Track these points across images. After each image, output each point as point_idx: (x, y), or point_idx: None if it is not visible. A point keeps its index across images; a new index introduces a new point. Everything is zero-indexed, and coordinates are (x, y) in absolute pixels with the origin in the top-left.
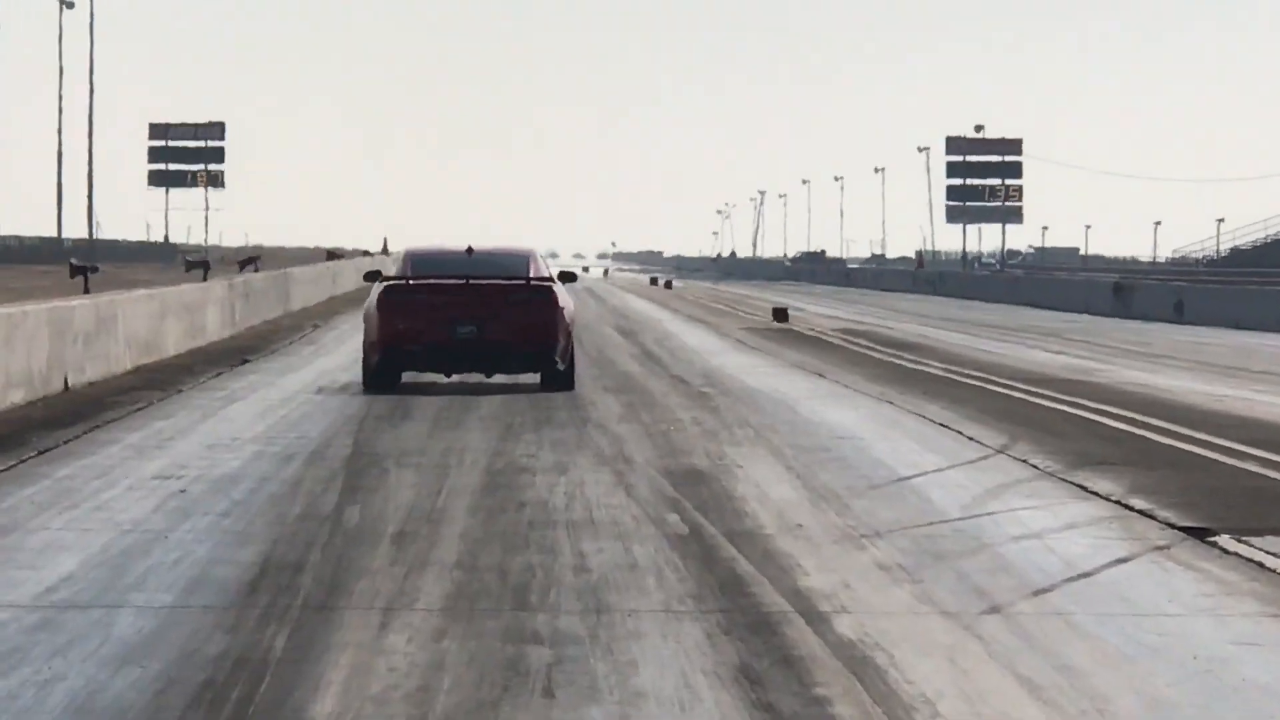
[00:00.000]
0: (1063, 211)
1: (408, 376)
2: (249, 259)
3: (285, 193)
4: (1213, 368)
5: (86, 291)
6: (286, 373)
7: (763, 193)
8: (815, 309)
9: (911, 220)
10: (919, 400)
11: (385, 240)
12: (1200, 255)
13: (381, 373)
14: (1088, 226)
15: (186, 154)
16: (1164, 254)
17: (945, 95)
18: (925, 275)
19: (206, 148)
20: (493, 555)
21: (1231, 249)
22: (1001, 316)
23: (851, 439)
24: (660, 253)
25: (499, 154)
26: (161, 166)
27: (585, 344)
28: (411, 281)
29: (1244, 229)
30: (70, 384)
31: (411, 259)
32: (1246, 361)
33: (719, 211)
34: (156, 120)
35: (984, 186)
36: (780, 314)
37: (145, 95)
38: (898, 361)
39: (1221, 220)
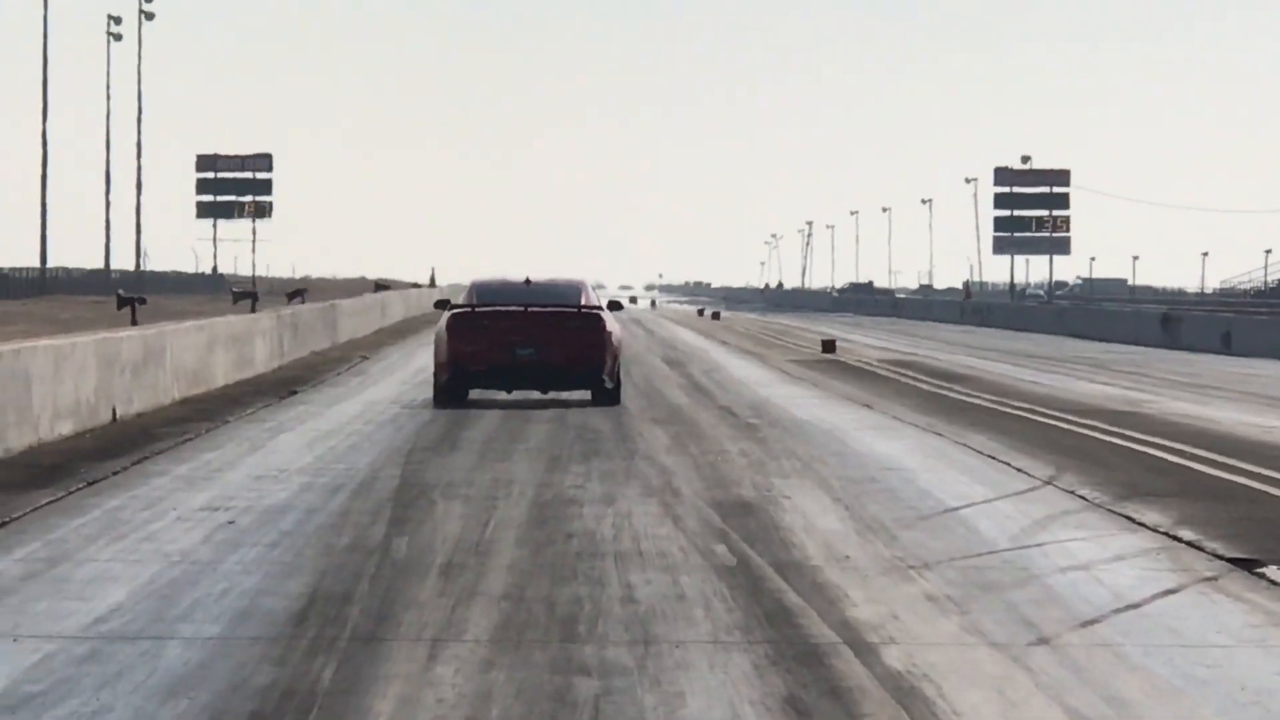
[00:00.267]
0: (1110, 242)
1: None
2: (297, 290)
3: (332, 224)
4: (1261, 399)
5: (134, 323)
6: (334, 404)
7: (810, 223)
8: (863, 340)
9: (959, 251)
10: (966, 431)
11: (433, 271)
12: (1248, 286)
13: (450, 390)
14: (1135, 257)
15: (234, 185)
16: (1212, 285)
17: (993, 126)
18: (973, 306)
19: (254, 179)
20: (540, 587)
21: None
22: (1049, 347)
23: (899, 470)
24: (708, 284)
25: (546, 185)
26: (209, 198)
27: (634, 375)
28: (477, 309)
29: None
30: (118, 415)
31: (476, 289)
32: None
33: (767, 242)
34: (204, 151)
35: (1031, 217)
36: (828, 345)
37: (193, 127)
38: (945, 393)
39: (1269, 251)
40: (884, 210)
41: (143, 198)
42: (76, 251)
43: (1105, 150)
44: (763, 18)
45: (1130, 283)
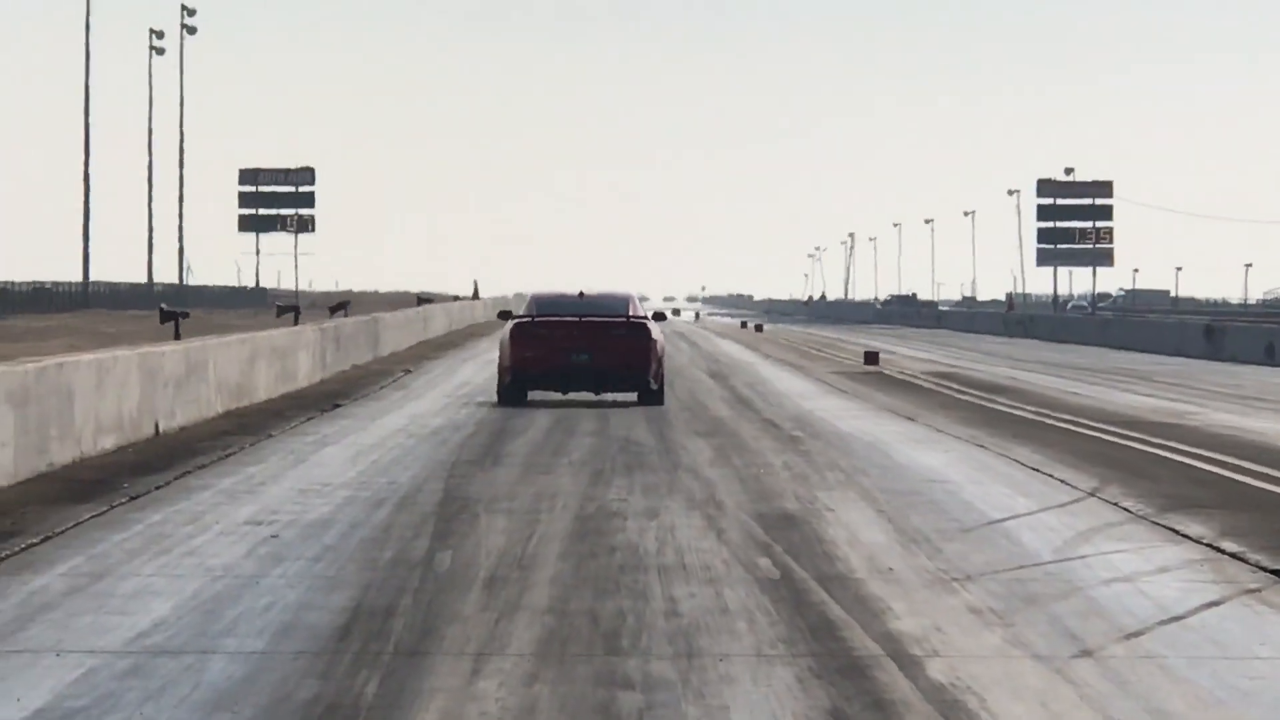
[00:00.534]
0: (1153, 254)
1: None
2: (339, 304)
3: (375, 237)
4: None
5: (177, 337)
6: (377, 417)
7: (852, 235)
8: (906, 352)
9: (1002, 263)
10: (1010, 443)
11: (476, 284)
12: None
13: (512, 390)
14: (1178, 268)
15: (276, 199)
16: (1255, 295)
17: (1035, 138)
18: (1016, 318)
19: (296, 193)
20: (584, 600)
21: None
22: (1092, 359)
23: (942, 482)
24: (750, 296)
25: (590, 197)
26: (251, 211)
27: (677, 388)
28: (536, 319)
29: None
30: (161, 429)
31: (535, 301)
32: None
33: (810, 255)
34: (246, 165)
35: (1074, 229)
36: (871, 357)
37: (235, 141)
38: (989, 405)
39: None
40: (927, 222)
41: (185, 211)
42: (119, 265)
43: (1148, 162)
44: (806, 31)
45: (1173, 294)
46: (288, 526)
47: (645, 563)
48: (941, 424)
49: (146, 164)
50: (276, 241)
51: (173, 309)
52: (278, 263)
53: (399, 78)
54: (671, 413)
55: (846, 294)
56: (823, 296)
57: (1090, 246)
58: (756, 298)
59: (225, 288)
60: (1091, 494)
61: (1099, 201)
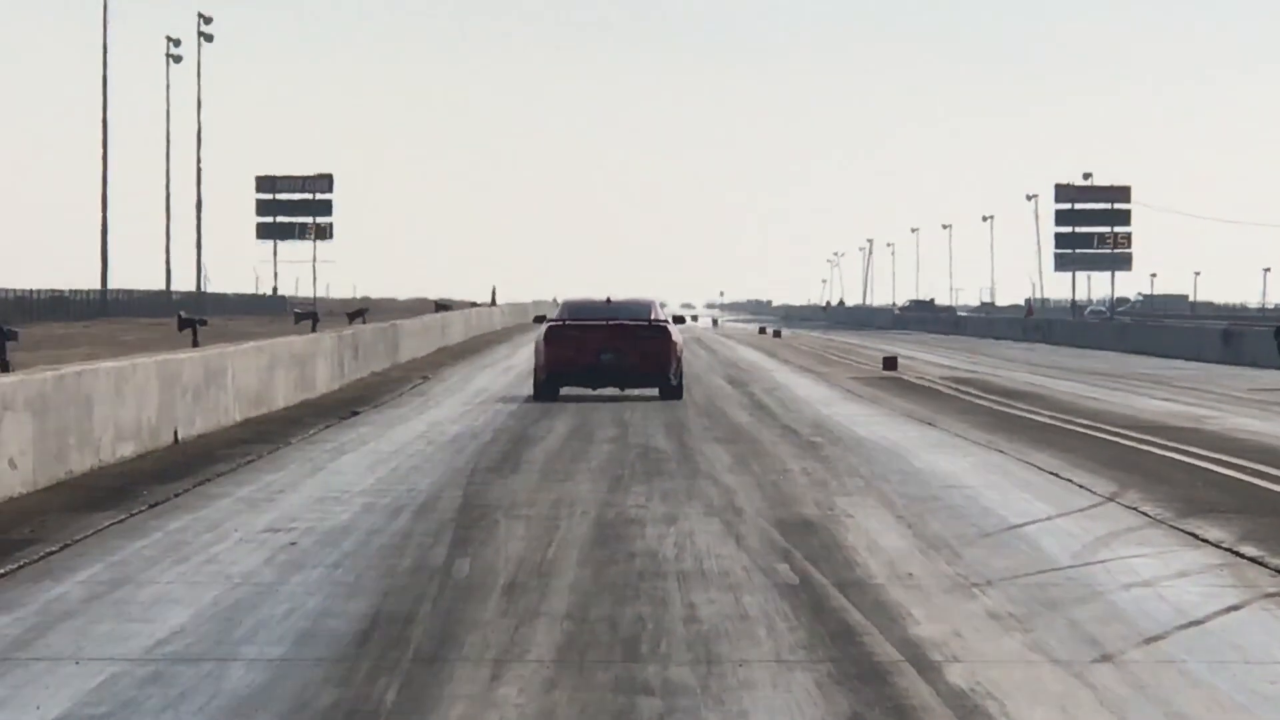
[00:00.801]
0: (1171, 258)
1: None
2: (357, 311)
3: (393, 244)
4: None
5: (195, 344)
6: (395, 425)
7: (871, 241)
8: (925, 357)
9: (1020, 268)
10: (1029, 448)
11: (494, 291)
12: None
13: (546, 386)
14: (1197, 273)
15: (294, 206)
16: (1273, 300)
17: (1053, 143)
18: (1034, 323)
19: (314, 200)
20: (603, 606)
21: None
22: (1110, 364)
23: (961, 487)
24: (769, 302)
25: (608, 204)
26: (269, 219)
27: (695, 394)
28: (568, 323)
29: None
30: (180, 437)
31: (567, 306)
32: None
33: (828, 260)
34: (264, 173)
35: (1093, 234)
36: (889, 363)
37: (253, 148)
38: (1007, 410)
39: None
40: (945, 227)
41: (203, 219)
42: (137, 273)
43: (1166, 166)
44: (826, 39)
45: (1191, 298)
46: (306, 534)
47: (664, 569)
48: (960, 429)
49: (164, 171)
50: (295, 249)
51: (191, 316)
52: (296, 270)
53: (417, 84)
54: (690, 419)
55: (865, 299)
56: (841, 302)
57: (1108, 251)
58: (775, 304)
59: (243, 295)
60: (1110, 499)
61: (1117, 206)
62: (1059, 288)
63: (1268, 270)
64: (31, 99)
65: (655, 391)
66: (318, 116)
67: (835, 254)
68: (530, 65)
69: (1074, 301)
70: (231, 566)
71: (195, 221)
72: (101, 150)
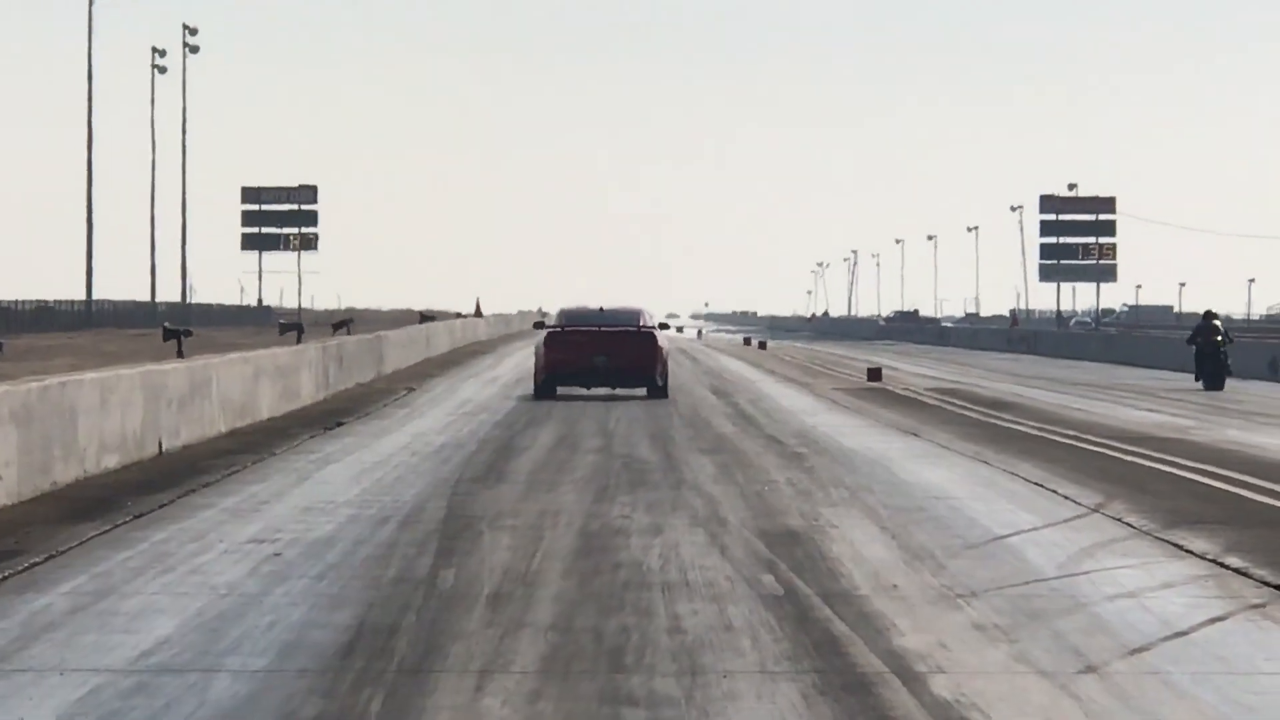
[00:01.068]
0: (1156, 269)
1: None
2: (342, 322)
3: (377, 255)
4: None
5: (180, 355)
6: (380, 436)
7: (856, 252)
8: (909, 368)
9: (1005, 279)
10: (1013, 459)
11: (478, 301)
12: None
13: (546, 385)
14: (1182, 284)
15: (279, 217)
16: (1258, 311)
17: (1038, 154)
18: (1019, 334)
19: (299, 211)
20: (588, 617)
21: None
22: (1096, 375)
23: (946, 498)
24: (754, 312)
25: (592, 214)
26: (254, 230)
27: (680, 405)
28: (565, 329)
29: None
30: (164, 448)
31: (564, 314)
32: None
33: (813, 271)
34: (249, 184)
35: (1078, 245)
36: (874, 374)
37: (238, 159)
38: (992, 420)
39: None
40: (929, 238)
41: (188, 230)
42: (122, 284)
43: (1151, 177)
44: (808, 48)
45: (1176, 309)
46: (291, 545)
47: (649, 580)
48: (945, 440)
49: (149, 182)
50: (279, 259)
51: (176, 327)
52: (281, 280)
53: (401, 95)
54: (675, 429)
55: (850, 310)
56: (826, 313)
57: (1093, 262)
58: (760, 314)
59: (228, 306)
60: (1095, 510)
61: (1102, 217)
62: (1044, 299)
63: (1252, 281)
64: (16, 109)
65: (643, 392)
66: (303, 128)
67: (820, 265)
68: (513, 77)
69: (1059, 312)
70: (216, 577)
71: (180, 232)
72: (87, 160)
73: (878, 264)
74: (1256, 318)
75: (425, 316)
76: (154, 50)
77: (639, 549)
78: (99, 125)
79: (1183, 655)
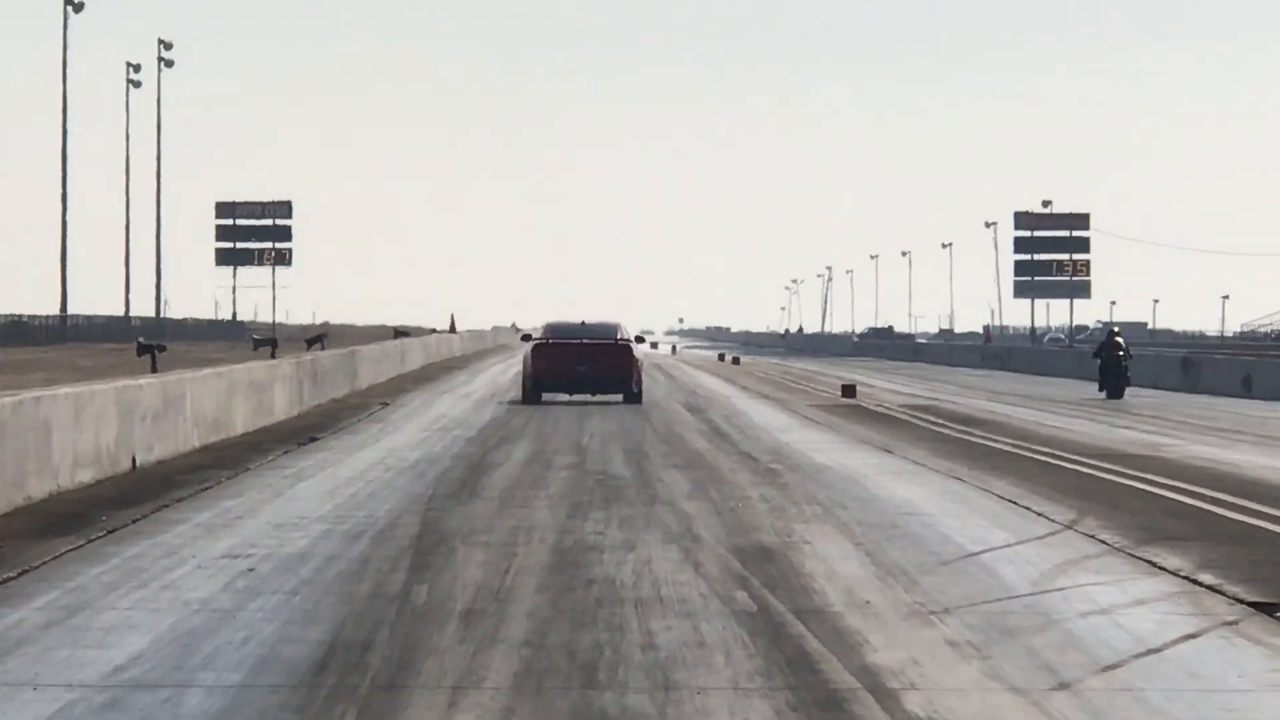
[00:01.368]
0: (1130, 286)
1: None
2: (316, 337)
3: (352, 270)
4: None
5: (154, 370)
6: (354, 451)
7: (830, 268)
8: (883, 385)
9: (979, 295)
10: (987, 476)
11: (453, 318)
12: (1268, 329)
13: (533, 392)
14: (1155, 301)
15: (253, 232)
16: (1232, 328)
17: (1012, 170)
18: (993, 350)
19: (274, 226)
20: (561, 633)
21: None
22: (1069, 391)
23: (920, 515)
24: (728, 328)
25: (566, 230)
26: (229, 245)
27: (654, 421)
28: (550, 341)
29: None
30: (138, 463)
31: (549, 328)
32: None
33: (787, 287)
34: (223, 199)
35: (1052, 261)
36: (848, 390)
37: (212, 174)
38: (966, 437)
39: None
40: (904, 254)
41: (162, 245)
42: (96, 299)
43: (1125, 194)
44: (783, 62)
45: (1150, 326)
46: (265, 560)
47: (622, 595)
48: (919, 456)
49: (124, 196)
50: (254, 274)
51: (150, 342)
52: (255, 295)
53: (376, 111)
54: (648, 445)
55: (824, 326)
56: (800, 329)
57: (1067, 279)
58: (734, 330)
59: (203, 321)
60: (1068, 526)
61: (1076, 233)
62: (1018, 315)
63: (1226, 298)
64: None
65: (619, 399)
66: (277, 142)
67: (794, 281)
68: (487, 95)
69: (1033, 329)
70: (189, 593)
71: (155, 247)
72: (61, 175)
73: (852, 280)
74: (1231, 335)
75: (400, 332)
76: (128, 65)
77: (612, 565)
78: (74, 140)
79: (1156, 672)
